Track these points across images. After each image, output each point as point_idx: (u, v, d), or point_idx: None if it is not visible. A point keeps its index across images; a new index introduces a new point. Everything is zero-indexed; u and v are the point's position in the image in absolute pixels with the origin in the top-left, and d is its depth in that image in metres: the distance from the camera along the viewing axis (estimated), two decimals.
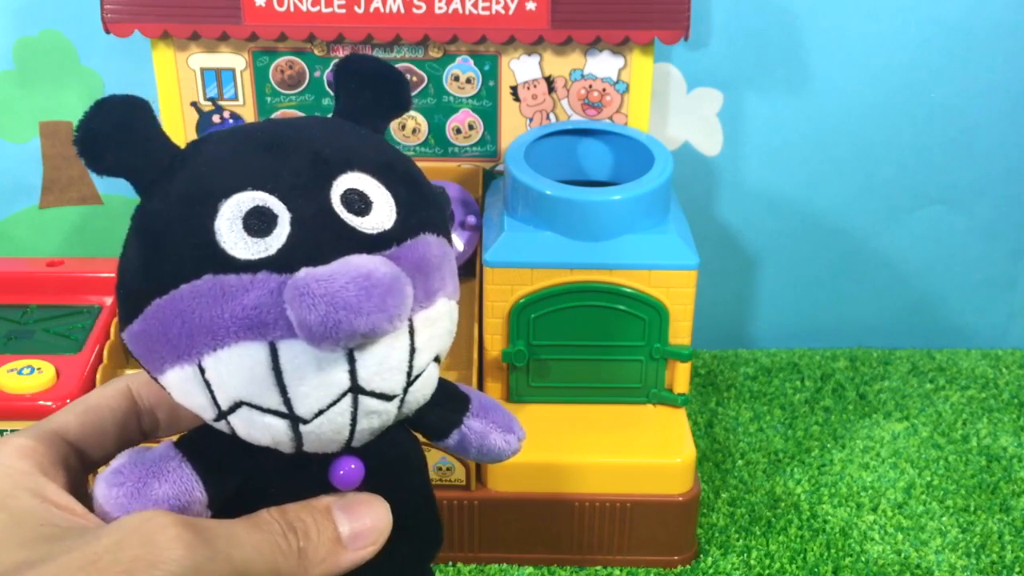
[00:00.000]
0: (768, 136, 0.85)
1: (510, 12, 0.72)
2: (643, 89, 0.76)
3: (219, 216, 0.31)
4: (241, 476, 0.35)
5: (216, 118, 0.77)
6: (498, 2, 0.72)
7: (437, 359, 0.35)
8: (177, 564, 0.29)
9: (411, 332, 0.33)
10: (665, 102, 0.84)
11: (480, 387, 0.69)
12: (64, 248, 0.89)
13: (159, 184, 0.33)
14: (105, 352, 0.65)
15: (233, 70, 0.76)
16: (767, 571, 0.66)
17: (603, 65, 0.76)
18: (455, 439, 0.41)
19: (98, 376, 0.64)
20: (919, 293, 0.93)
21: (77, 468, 0.34)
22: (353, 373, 0.32)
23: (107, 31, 0.73)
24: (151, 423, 0.37)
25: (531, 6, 0.72)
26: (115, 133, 0.32)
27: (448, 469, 0.64)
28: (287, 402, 0.32)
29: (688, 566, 0.67)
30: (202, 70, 0.76)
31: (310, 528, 0.33)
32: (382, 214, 0.33)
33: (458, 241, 0.72)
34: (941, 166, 0.87)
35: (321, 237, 0.32)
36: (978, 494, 0.74)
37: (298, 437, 0.33)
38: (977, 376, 0.87)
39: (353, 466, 0.35)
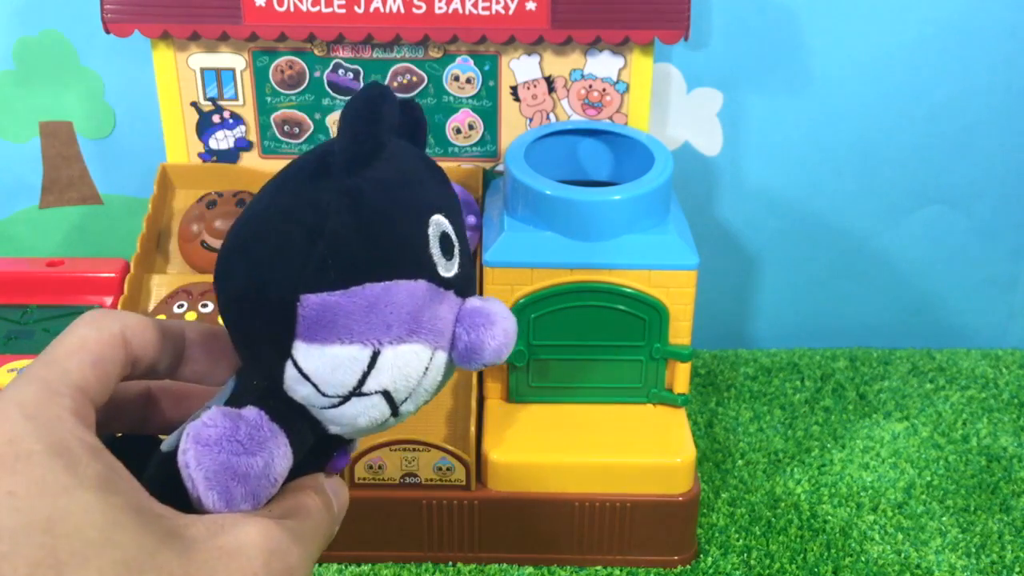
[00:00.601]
0: (768, 136, 0.85)
1: (510, 12, 0.73)
2: (643, 89, 0.76)
3: (428, 230, 0.35)
4: (302, 453, 0.36)
5: (216, 118, 0.77)
6: (498, 2, 0.72)
7: None
8: (302, 571, 0.32)
9: None
10: (665, 102, 0.84)
11: (480, 387, 0.69)
12: (64, 248, 0.89)
13: (373, 166, 0.34)
14: None
15: (233, 70, 0.76)
16: (767, 571, 0.66)
17: (603, 65, 0.76)
18: None
19: None
20: (919, 293, 0.93)
21: (92, 421, 0.32)
22: (436, 390, 0.36)
23: (107, 31, 0.73)
24: (133, 370, 0.35)
25: (531, 6, 0.72)
26: (385, 110, 0.34)
27: (448, 469, 0.64)
28: (407, 399, 0.35)
29: (688, 566, 0.67)
30: (202, 70, 0.76)
31: (331, 513, 0.36)
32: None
33: None
34: (941, 166, 0.87)
35: (471, 272, 0.37)
36: (978, 494, 0.74)
37: (378, 426, 0.36)
38: (977, 376, 0.87)
39: (346, 459, 0.38)
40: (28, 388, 0.31)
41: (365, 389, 0.34)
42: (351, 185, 0.34)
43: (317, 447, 0.36)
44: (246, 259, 0.34)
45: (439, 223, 0.35)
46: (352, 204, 0.34)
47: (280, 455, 0.34)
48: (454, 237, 0.36)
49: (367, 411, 0.35)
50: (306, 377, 0.34)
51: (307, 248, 0.33)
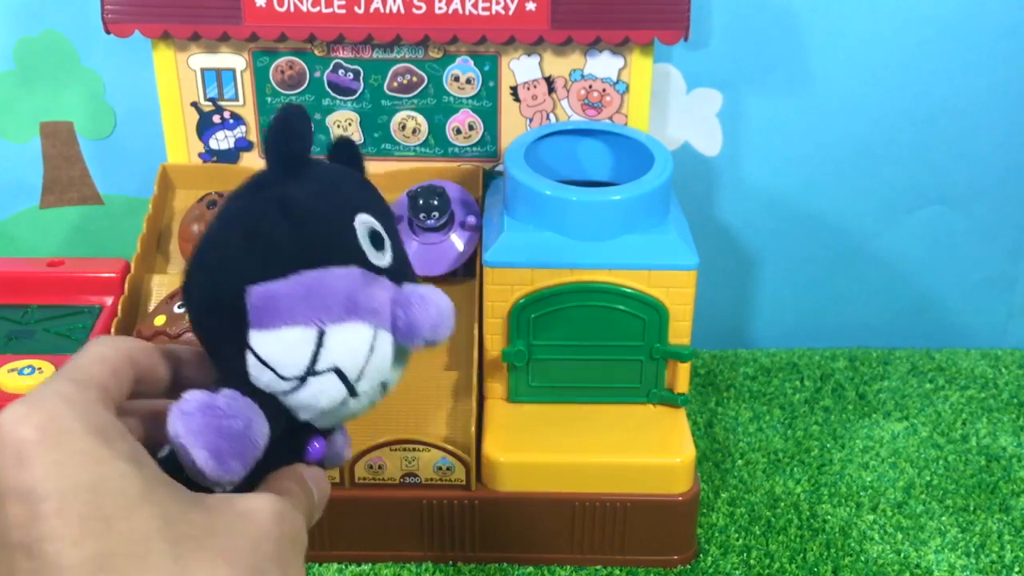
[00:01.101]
0: (768, 136, 0.86)
1: (510, 12, 0.73)
2: (643, 89, 0.77)
3: (355, 226, 0.40)
4: (274, 434, 0.40)
5: (216, 118, 0.77)
6: (498, 2, 0.72)
7: None
8: (305, 534, 0.38)
9: None
10: (665, 102, 0.84)
11: (480, 387, 0.69)
12: (64, 248, 0.89)
13: (300, 176, 0.40)
14: None
15: (233, 70, 0.76)
16: (767, 571, 0.66)
17: (603, 65, 0.76)
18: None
19: None
20: (918, 293, 0.93)
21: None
22: (390, 370, 0.40)
23: (107, 31, 0.73)
24: (137, 387, 0.39)
25: (531, 6, 0.72)
26: (298, 126, 0.40)
27: (448, 469, 0.64)
28: (360, 376, 0.40)
29: (688, 566, 0.67)
30: (202, 70, 0.76)
31: (312, 497, 0.41)
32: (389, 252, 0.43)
33: (458, 241, 0.72)
34: (940, 166, 0.87)
35: (405, 264, 0.42)
36: (977, 494, 0.74)
37: (339, 407, 0.40)
38: (976, 376, 0.87)
39: (319, 445, 0.42)
40: (62, 383, 0.35)
41: (317, 367, 0.39)
42: (280, 192, 0.40)
43: (291, 437, 0.41)
44: (201, 269, 0.40)
45: (365, 221, 0.41)
46: (281, 207, 0.39)
47: (258, 421, 0.38)
48: (383, 233, 0.41)
49: (325, 390, 0.39)
50: (264, 363, 0.39)
51: (247, 247, 0.39)
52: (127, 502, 0.33)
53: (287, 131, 0.40)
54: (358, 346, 0.39)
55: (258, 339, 0.39)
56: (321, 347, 0.39)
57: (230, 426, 0.38)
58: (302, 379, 0.39)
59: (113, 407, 0.36)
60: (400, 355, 0.41)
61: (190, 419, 0.37)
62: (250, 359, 0.39)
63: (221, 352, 0.40)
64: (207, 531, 0.34)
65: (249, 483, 0.38)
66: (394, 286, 0.40)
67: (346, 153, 0.45)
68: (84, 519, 0.32)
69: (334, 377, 0.39)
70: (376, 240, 0.41)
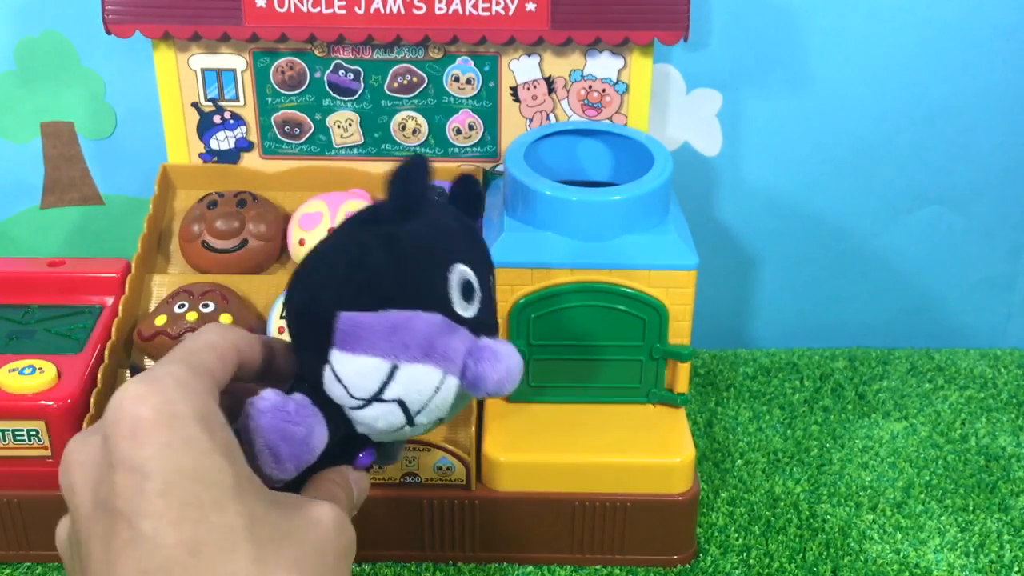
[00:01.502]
0: (767, 136, 0.86)
1: (510, 13, 0.73)
2: (643, 90, 0.77)
3: (451, 275, 0.43)
4: (333, 440, 0.45)
5: (217, 119, 0.77)
6: (498, 3, 0.72)
7: None
8: (355, 545, 0.41)
9: None
10: (665, 102, 0.84)
11: None
12: (65, 248, 0.89)
13: (413, 218, 0.44)
14: (106, 352, 0.65)
15: (234, 71, 0.76)
16: (766, 570, 0.67)
17: (603, 66, 0.76)
18: None
19: (99, 376, 0.64)
20: (918, 293, 0.93)
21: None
22: (451, 410, 0.44)
23: (108, 32, 0.73)
24: (239, 371, 0.43)
25: (531, 7, 0.72)
26: (420, 173, 0.44)
27: (448, 469, 0.64)
28: (420, 412, 0.43)
29: (688, 565, 0.67)
30: (203, 71, 0.76)
31: (352, 498, 0.45)
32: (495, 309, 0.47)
33: None
34: (940, 166, 0.87)
35: (490, 317, 0.45)
36: (977, 493, 0.74)
37: (397, 432, 0.44)
38: (976, 376, 0.88)
39: (370, 455, 0.47)
40: (177, 366, 0.38)
41: (384, 396, 0.43)
42: (389, 231, 0.43)
43: (346, 443, 0.45)
44: (304, 283, 0.44)
45: (463, 272, 0.44)
46: (388, 245, 0.43)
47: (319, 431, 0.43)
48: (476, 286, 0.44)
49: (385, 416, 0.43)
50: (339, 379, 0.43)
51: (348, 275, 0.42)
52: (222, 495, 0.35)
53: (409, 175, 0.43)
54: (425, 387, 0.43)
55: (338, 358, 0.42)
56: (391, 380, 0.42)
57: (293, 432, 0.42)
58: (368, 402, 0.43)
59: (217, 394, 0.39)
60: (461, 399, 0.44)
61: (261, 416, 0.41)
62: (327, 372, 0.43)
63: (304, 358, 0.44)
64: (284, 534, 0.37)
65: (299, 480, 0.43)
66: (472, 338, 0.43)
67: (466, 191, 0.49)
68: (183, 504, 0.34)
69: (396, 407, 0.43)
70: (467, 291, 0.44)
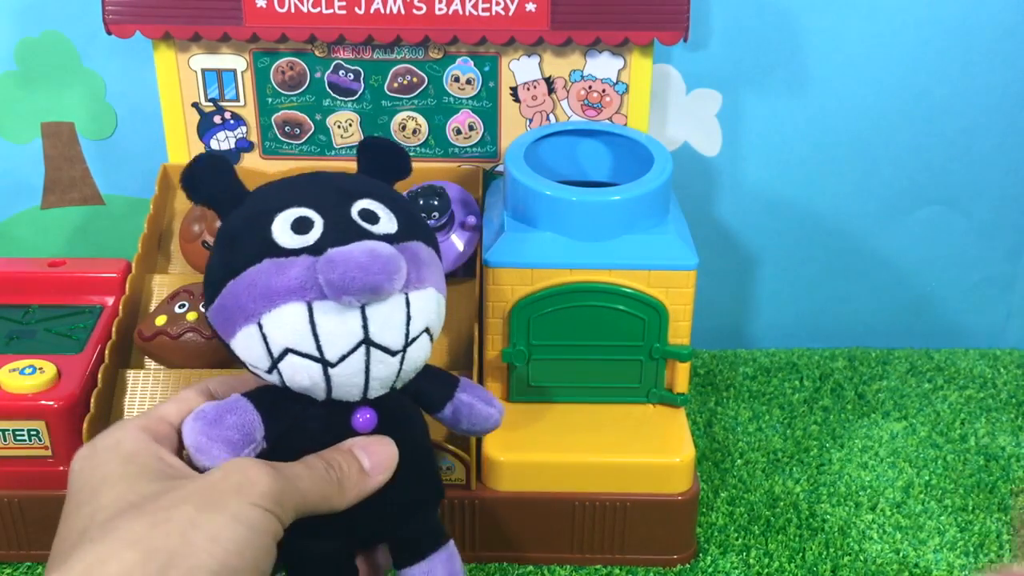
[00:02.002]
0: (767, 136, 0.86)
1: (510, 13, 0.73)
2: (642, 90, 0.77)
3: (274, 222, 0.45)
4: (289, 420, 0.47)
5: (217, 119, 0.77)
6: (498, 3, 0.72)
7: (428, 332, 0.48)
8: (267, 487, 0.42)
9: (407, 303, 0.46)
10: (664, 103, 0.84)
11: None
12: (66, 248, 0.89)
13: (234, 210, 0.47)
14: (107, 352, 0.66)
15: (234, 71, 0.76)
16: (766, 570, 0.67)
17: (603, 66, 0.76)
18: (449, 411, 0.54)
19: (99, 376, 0.64)
20: (917, 293, 0.93)
21: (177, 444, 0.46)
22: (366, 328, 0.45)
23: (108, 32, 0.73)
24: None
25: (531, 7, 0.73)
26: (208, 175, 0.48)
27: (448, 469, 0.64)
28: (319, 348, 0.44)
29: (687, 565, 0.67)
30: (203, 71, 0.76)
31: (343, 464, 0.46)
32: (387, 225, 0.47)
33: (458, 241, 0.72)
34: (939, 166, 0.87)
35: (344, 233, 0.45)
36: (976, 493, 0.74)
37: (327, 380, 0.46)
38: (975, 376, 0.88)
39: (368, 415, 0.48)
40: (121, 420, 0.47)
41: (274, 353, 0.45)
42: (218, 232, 0.48)
43: (328, 417, 0.47)
44: None
45: (289, 214, 0.45)
46: (218, 238, 0.47)
47: (239, 414, 0.46)
48: (315, 217, 0.45)
49: (294, 370, 0.45)
50: (246, 364, 0.47)
51: (204, 280, 0.48)
52: (96, 491, 0.42)
53: (191, 180, 0.48)
54: (297, 324, 0.44)
55: (233, 347, 0.46)
56: (266, 337, 0.45)
57: (208, 424, 0.46)
58: (273, 365, 0.45)
59: (163, 425, 0.46)
60: (375, 311, 0.45)
61: (184, 425, 0.46)
62: (242, 364, 0.47)
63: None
64: (149, 496, 0.41)
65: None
66: (313, 258, 0.44)
67: (368, 154, 0.52)
68: (72, 511, 0.42)
69: (294, 357, 0.45)
70: (301, 226, 0.45)
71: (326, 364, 0.45)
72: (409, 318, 0.46)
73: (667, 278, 0.65)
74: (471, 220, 0.72)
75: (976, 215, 0.90)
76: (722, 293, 0.92)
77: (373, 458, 0.47)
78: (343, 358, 0.45)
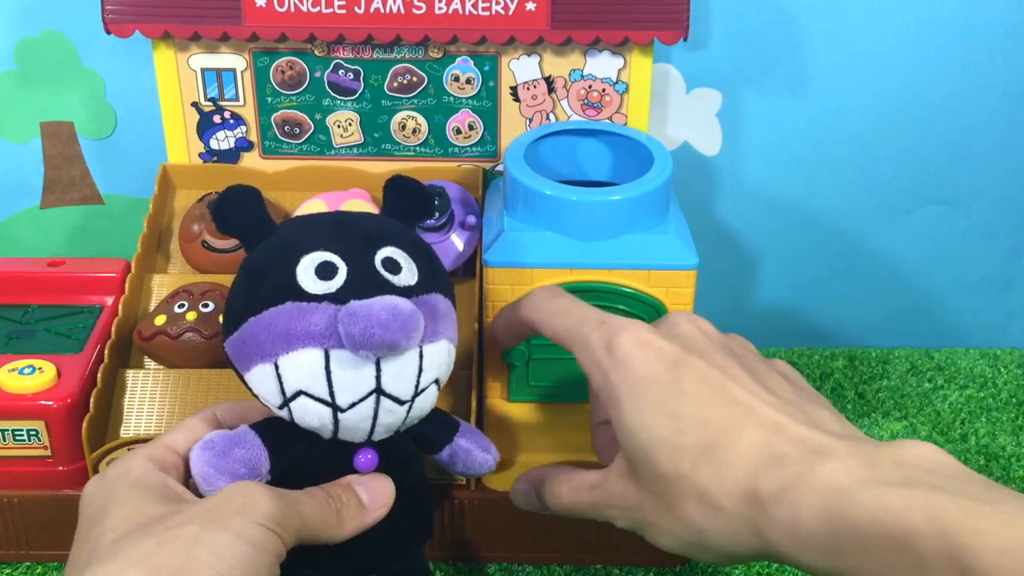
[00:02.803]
0: (767, 136, 0.86)
1: (510, 13, 0.73)
2: (642, 89, 0.77)
3: (300, 265, 0.46)
4: (293, 455, 0.49)
5: (217, 118, 0.77)
6: (498, 3, 0.72)
7: (437, 382, 0.50)
8: (269, 507, 0.43)
9: (420, 356, 0.48)
10: (664, 102, 0.84)
11: (480, 387, 0.69)
12: (65, 248, 0.89)
13: (262, 243, 0.49)
14: (106, 352, 0.65)
15: (234, 70, 0.76)
16: (766, 570, 0.67)
17: (603, 65, 0.76)
18: (447, 453, 0.56)
19: (99, 376, 0.64)
20: (917, 293, 0.93)
21: (184, 473, 0.48)
22: (378, 379, 0.46)
23: (108, 31, 0.73)
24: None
25: (531, 7, 0.73)
26: (239, 209, 0.49)
27: None
28: (332, 394, 0.46)
29: (687, 565, 0.67)
30: (203, 70, 0.76)
31: (342, 496, 0.48)
32: (408, 276, 0.48)
33: (458, 241, 0.72)
34: (940, 166, 0.87)
35: (366, 284, 0.47)
36: None
37: (336, 423, 0.47)
38: (975, 375, 0.88)
39: (370, 455, 0.50)
40: (129, 451, 0.51)
41: (287, 393, 0.46)
42: (243, 264, 0.49)
43: (332, 455, 0.49)
44: None
45: (314, 258, 0.47)
46: (242, 271, 0.49)
47: (247, 447, 0.47)
48: (339, 263, 0.47)
49: (304, 411, 0.47)
50: (258, 397, 0.48)
51: (224, 311, 0.49)
52: (103, 515, 0.44)
53: (222, 212, 0.49)
54: (312, 369, 0.45)
55: (247, 381, 0.48)
56: (280, 376, 0.46)
57: (215, 455, 0.47)
58: (285, 403, 0.47)
59: (169, 453, 0.48)
60: (390, 364, 0.46)
61: (191, 454, 0.47)
62: (254, 396, 0.48)
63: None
64: (155, 517, 0.43)
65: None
66: (335, 307, 0.45)
67: (395, 193, 0.53)
68: (80, 536, 0.44)
69: (306, 399, 0.46)
70: (325, 271, 0.46)
71: (336, 409, 0.46)
72: (421, 370, 0.48)
73: (667, 278, 0.65)
74: (471, 220, 0.72)
75: (976, 215, 0.90)
76: (722, 293, 0.92)
77: (372, 494, 0.49)
78: (353, 405, 0.46)
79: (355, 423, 0.47)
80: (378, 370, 0.46)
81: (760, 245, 0.91)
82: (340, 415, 0.47)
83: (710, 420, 0.45)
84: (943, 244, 0.91)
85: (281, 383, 0.46)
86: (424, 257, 0.51)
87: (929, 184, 0.88)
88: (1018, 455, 0.78)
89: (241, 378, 0.49)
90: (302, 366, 0.45)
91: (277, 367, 0.46)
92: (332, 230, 0.49)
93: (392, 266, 0.48)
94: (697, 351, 0.48)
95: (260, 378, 0.47)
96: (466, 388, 0.68)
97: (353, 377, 0.45)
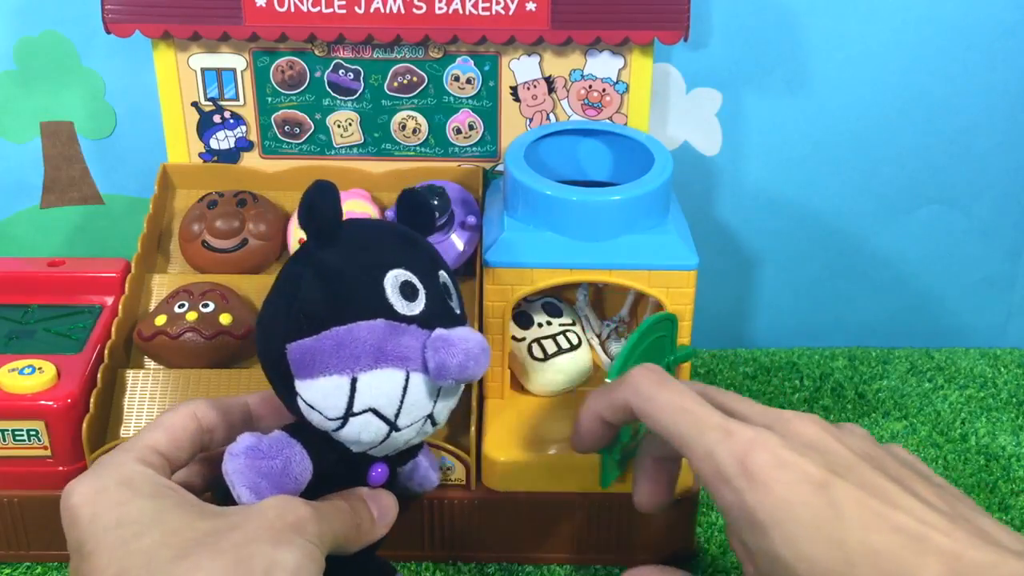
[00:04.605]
0: (767, 136, 0.86)
1: (510, 12, 0.73)
2: (643, 89, 0.77)
3: (386, 280, 0.46)
4: (325, 467, 0.48)
5: (217, 118, 0.77)
6: (498, 2, 0.72)
7: None
8: (315, 524, 0.44)
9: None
10: (665, 102, 0.84)
11: (480, 386, 0.69)
12: (65, 248, 0.89)
13: (333, 243, 0.47)
14: (106, 352, 0.65)
15: (234, 70, 0.76)
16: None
17: (603, 65, 0.76)
18: (410, 466, 0.56)
19: (99, 376, 0.64)
20: (917, 293, 0.93)
21: (167, 470, 0.47)
22: (435, 404, 0.48)
23: (108, 31, 0.73)
24: (208, 439, 0.50)
25: (531, 6, 0.72)
26: (335, 204, 0.47)
27: (449, 469, 0.64)
28: (398, 415, 0.46)
29: (687, 565, 0.67)
30: (203, 70, 0.76)
31: (360, 511, 0.48)
32: (456, 302, 0.50)
33: (458, 241, 0.72)
34: (940, 166, 0.87)
35: (441, 309, 0.48)
36: (976, 493, 0.74)
37: (384, 440, 0.47)
38: (975, 375, 0.88)
39: (382, 469, 0.50)
40: (114, 454, 0.46)
41: (355, 409, 0.45)
42: (315, 258, 0.47)
43: (351, 465, 0.49)
44: (259, 329, 0.49)
45: (398, 275, 0.46)
46: (315, 271, 0.46)
47: (298, 460, 0.46)
48: (419, 285, 0.47)
49: (365, 427, 0.46)
50: (311, 407, 0.46)
51: (287, 311, 0.46)
52: (141, 527, 0.42)
53: (314, 203, 0.46)
54: (391, 389, 0.45)
55: (302, 387, 0.46)
56: (355, 392, 0.45)
57: (270, 467, 0.45)
58: (344, 419, 0.46)
59: (156, 456, 0.46)
60: (446, 393, 0.48)
61: (236, 460, 0.45)
62: (300, 402, 0.46)
63: (282, 397, 0.48)
64: (209, 533, 0.42)
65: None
66: (424, 332, 0.46)
67: (408, 206, 0.52)
68: (111, 549, 0.41)
69: (372, 416, 0.46)
70: (408, 292, 0.46)
71: (393, 429, 0.47)
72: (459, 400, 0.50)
73: (667, 278, 0.65)
74: (471, 220, 0.72)
75: (976, 214, 0.90)
76: (722, 293, 0.92)
77: (381, 510, 0.49)
78: (409, 426, 0.47)
79: (398, 442, 0.48)
80: (437, 396, 0.47)
81: (760, 245, 0.91)
82: (394, 434, 0.47)
83: (880, 550, 0.41)
84: (943, 244, 0.91)
85: (352, 398, 0.45)
86: (456, 284, 0.52)
87: (929, 184, 0.88)
88: (1018, 455, 0.78)
89: (285, 382, 0.47)
90: (382, 385, 0.45)
91: (354, 382, 0.45)
92: (404, 246, 0.49)
93: (447, 292, 0.49)
94: (840, 468, 0.44)
95: (326, 390, 0.45)
96: (466, 388, 0.68)
97: (421, 401, 0.46)
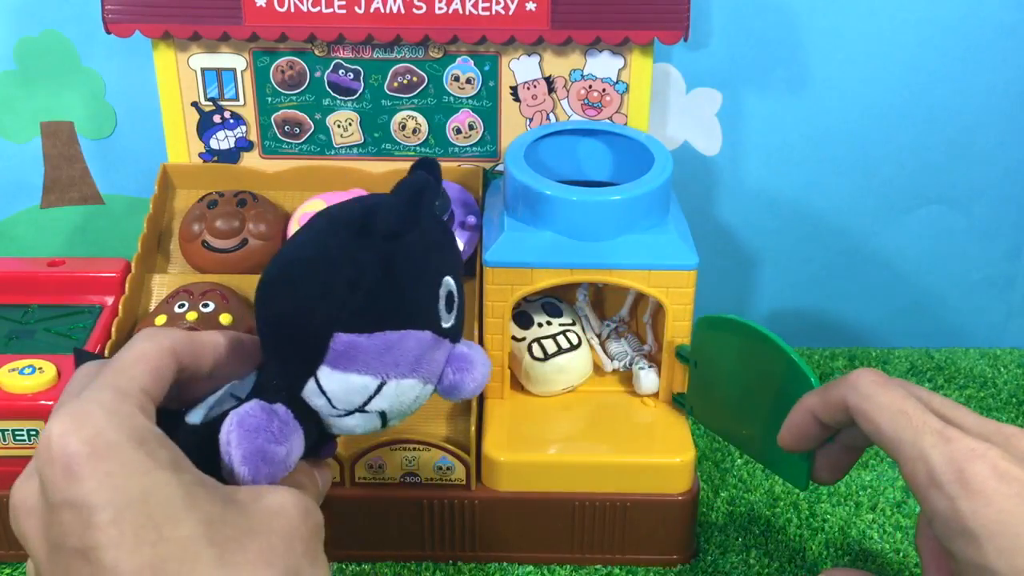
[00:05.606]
0: (767, 136, 0.86)
1: (510, 12, 0.73)
2: (643, 89, 0.77)
3: (441, 288, 0.44)
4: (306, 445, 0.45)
5: (217, 118, 0.77)
6: (498, 2, 0.72)
7: None
8: (322, 529, 0.41)
9: None
10: (665, 102, 0.84)
11: None
12: (65, 248, 0.89)
13: (409, 234, 0.43)
14: (106, 352, 0.65)
15: (234, 70, 0.76)
16: (766, 570, 0.67)
17: (603, 65, 0.76)
18: None
19: None
20: (917, 293, 0.93)
21: (153, 418, 0.40)
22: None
23: (108, 31, 0.73)
24: (181, 375, 0.44)
25: (531, 6, 0.73)
26: (432, 198, 0.45)
27: (448, 469, 0.64)
28: (395, 417, 0.45)
29: (687, 565, 0.67)
30: (203, 70, 0.76)
31: (319, 482, 0.46)
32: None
33: (458, 241, 0.72)
34: (939, 166, 0.87)
35: (460, 321, 0.46)
36: None
37: (370, 433, 0.46)
38: (975, 375, 0.88)
39: (332, 445, 0.48)
40: (104, 392, 0.38)
41: (368, 408, 0.44)
42: (387, 251, 0.42)
43: (320, 440, 0.46)
44: (293, 293, 0.42)
45: (448, 284, 0.45)
46: (386, 266, 0.42)
47: (297, 447, 0.43)
48: (456, 295, 0.45)
49: (364, 423, 0.45)
50: (323, 392, 0.43)
51: (346, 296, 0.42)
52: (173, 510, 0.36)
53: (419, 194, 0.43)
54: (407, 398, 0.44)
55: (327, 374, 0.43)
56: (377, 394, 0.43)
57: (275, 453, 0.42)
58: (350, 412, 0.44)
59: (152, 408, 0.40)
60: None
61: (245, 438, 0.41)
62: (310, 384, 0.43)
63: (285, 365, 0.44)
64: (245, 531, 0.37)
65: None
66: (450, 347, 0.45)
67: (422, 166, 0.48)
68: (137, 528, 0.35)
69: (376, 416, 0.44)
70: (450, 302, 0.45)
71: (385, 424, 0.46)
72: None
73: (667, 278, 0.65)
74: (471, 220, 0.72)
75: (976, 214, 0.89)
76: (722, 293, 0.92)
77: (324, 481, 0.47)
78: (390, 422, 0.46)
79: (374, 430, 0.46)
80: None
81: (760, 245, 0.91)
82: (379, 429, 0.46)
83: None
84: (943, 244, 0.91)
85: (372, 398, 0.44)
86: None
87: (929, 184, 0.88)
88: None
89: (307, 361, 0.43)
90: (403, 394, 0.44)
91: (382, 386, 0.43)
92: (452, 247, 0.47)
93: (463, 299, 0.47)
94: None
95: (352, 386, 0.43)
96: None
97: (416, 407, 0.45)
